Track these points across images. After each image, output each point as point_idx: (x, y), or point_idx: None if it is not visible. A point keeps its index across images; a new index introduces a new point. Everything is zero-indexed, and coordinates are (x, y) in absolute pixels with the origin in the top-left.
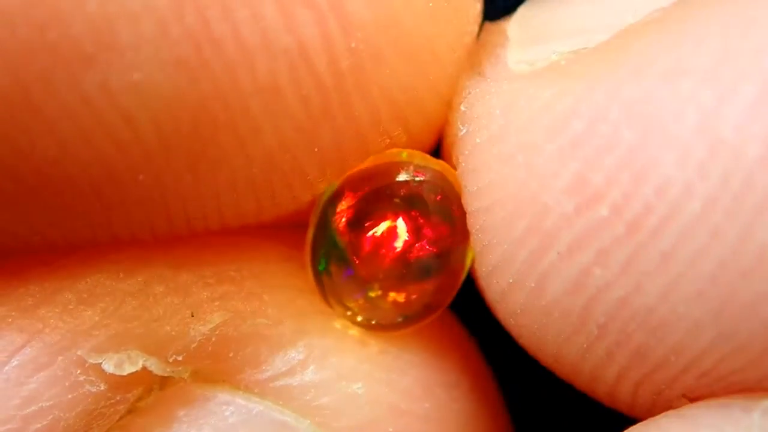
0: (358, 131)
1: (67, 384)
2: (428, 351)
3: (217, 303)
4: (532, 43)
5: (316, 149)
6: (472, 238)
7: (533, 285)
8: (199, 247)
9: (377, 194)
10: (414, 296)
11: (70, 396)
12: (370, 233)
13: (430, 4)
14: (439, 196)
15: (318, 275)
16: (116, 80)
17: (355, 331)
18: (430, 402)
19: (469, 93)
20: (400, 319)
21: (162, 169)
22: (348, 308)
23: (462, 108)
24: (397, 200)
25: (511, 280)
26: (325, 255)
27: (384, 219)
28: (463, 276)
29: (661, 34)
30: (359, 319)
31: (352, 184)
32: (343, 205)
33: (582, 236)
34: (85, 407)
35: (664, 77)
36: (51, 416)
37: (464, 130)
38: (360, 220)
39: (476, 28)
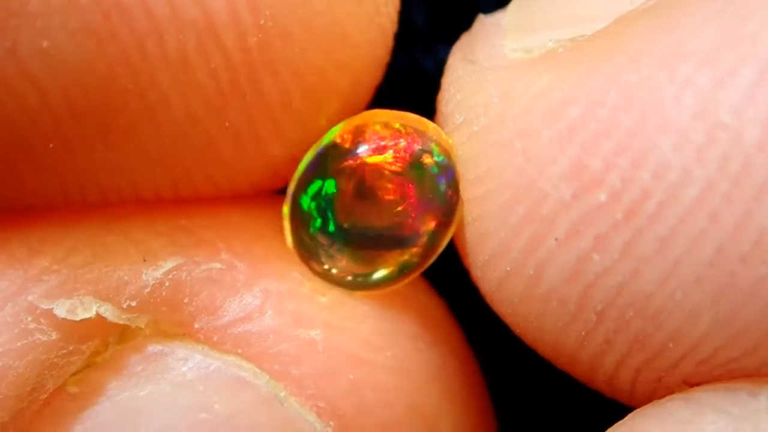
0: (268, 110)
1: (16, 331)
2: (387, 303)
3: (169, 249)
4: (528, 32)
5: (226, 124)
6: (468, 227)
7: (531, 273)
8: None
9: (382, 150)
10: (382, 260)
11: (19, 344)
12: (363, 187)
13: None
14: (439, 172)
15: (297, 215)
16: (25, 47)
17: (313, 282)
18: (391, 351)
19: (465, 82)
20: (370, 279)
21: (72, 138)
22: (316, 255)
23: (458, 96)
24: (398, 165)
25: (508, 269)
26: (309, 204)
27: (381, 179)
28: (436, 255)
29: (659, 19)
30: (326, 267)
31: (360, 132)
32: (344, 151)
33: (580, 222)
34: (36, 356)
35: (661, 62)
36: (0, 363)
37: (461, 119)
38: (357, 172)
39: (392, 10)
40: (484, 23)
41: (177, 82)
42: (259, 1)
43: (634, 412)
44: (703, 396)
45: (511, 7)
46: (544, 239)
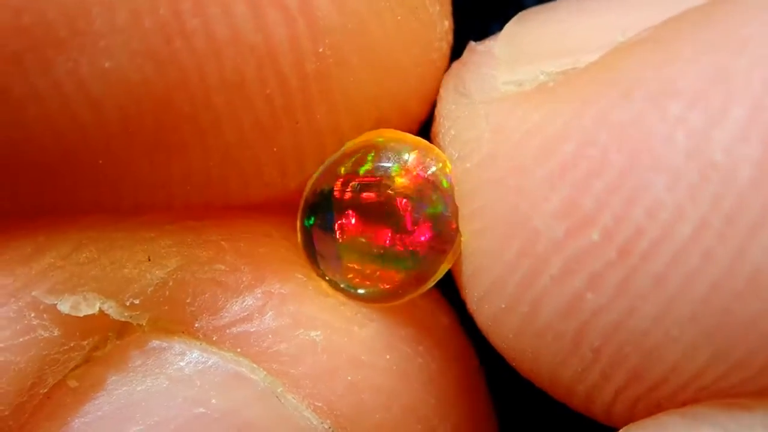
0: (317, 136)
1: (18, 327)
2: (389, 307)
3: (174, 249)
4: (519, 64)
5: (275, 149)
6: (464, 261)
7: (526, 309)
8: None
9: (388, 170)
10: (378, 277)
11: (21, 339)
12: (365, 203)
13: (398, 18)
14: (442, 198)
15: (305, 221)
16: (86, 66)
17: (316, 285)
18: (391, 355)
19: (458, 117)
20: (360, 292)
21: (120, 155)
22: (317, 265)
23: (452, 132)
24: (403, 186)
25: (503, 305)
26: (316, 209)
27: (384, 197)
28: (431, 283)
29: (650, 54)
30: (326, 274)
31: (369, 151)
32: (352, 166)
33: (573, 260)
34: (38, 352)
35: (652, 100)
36: (1, 359)
37: (456, 155)
38: (360, 191)
39: (444, 45)
40: (476, 51)
41: (231, 106)
42: (319, 28)
43: (631, 424)
44: (699, 411)
45: (502, 35)
46: (538, 276)
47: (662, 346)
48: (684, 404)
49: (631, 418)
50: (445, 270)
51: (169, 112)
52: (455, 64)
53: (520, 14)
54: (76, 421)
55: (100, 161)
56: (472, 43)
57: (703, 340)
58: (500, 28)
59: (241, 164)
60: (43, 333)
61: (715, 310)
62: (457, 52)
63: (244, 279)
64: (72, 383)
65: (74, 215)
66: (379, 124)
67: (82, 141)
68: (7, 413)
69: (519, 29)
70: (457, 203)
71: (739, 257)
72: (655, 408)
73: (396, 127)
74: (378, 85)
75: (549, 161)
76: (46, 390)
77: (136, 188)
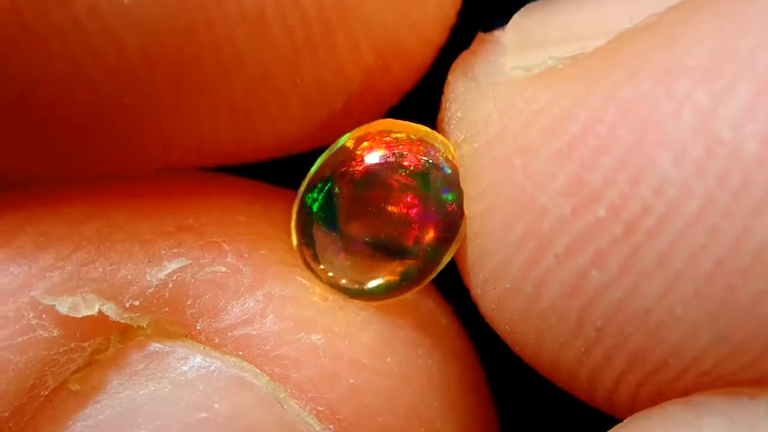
0: (339, 66)
1: (17, 327)
2: (389, 309)
3: (174, 250)
4: (528, 50)
5: (298, 80)
6: (469, 244)
7: (530, 289)
8: (160, 195)
9: (389, 158)
10: (379, 269)
11: (20, 339)
12: (366, 192)
13: None
14: (444, 186)
15: (302, 214)
16: (107, 3)
17: (316, 287)
18: (392, 357)
19: (466, 99)
20: (363, 288)
21: (146, 95)
22: (316, 257)
23: (459, 114)
24: (404, 175)
25: (508, 286)
26: (316, 200)
27: (385, 186)
28: (436, 271)
29: (657, 36)
30: (326, 270)
31: (370, 139)
32: (352, 156)
33: (579, 238)
34: (37, 352)
35: (659, 78)
36: (0, 358)
37: (462, 137)
38: (362, 177)
39: None
40: (484, 40)
41: (253, 40)
42: None
43: (635, 414)
44: (702, 399)
45: (510, 24)
46: (543, 255)
47: (665, 325)
48: (686, 392)
49: (633, 408)
50: (448, 258)
51: (191, 48)
52: (464, 54)
53: (527, 6)
54: (78, 424)
55: (127, 100)
56: (481, 33)
57: (706, 319)
58: (504, 23)
59: (265, 98)
60: (42, 333)
61: (719, 289)
62: (464, 45)
63: (245, 281)
64: (74, 386)
65: (72, 213)
66: (401, 53)
67: (108, 81)
68: (6, 414)
69: (526, 19)
70: (462, 186)
71: (744, 234)
72: (658, 396)
73: (418, 56)
74: (397, 13)
75: (556, 139)
76: (46, 392)
77: (166, 131)
